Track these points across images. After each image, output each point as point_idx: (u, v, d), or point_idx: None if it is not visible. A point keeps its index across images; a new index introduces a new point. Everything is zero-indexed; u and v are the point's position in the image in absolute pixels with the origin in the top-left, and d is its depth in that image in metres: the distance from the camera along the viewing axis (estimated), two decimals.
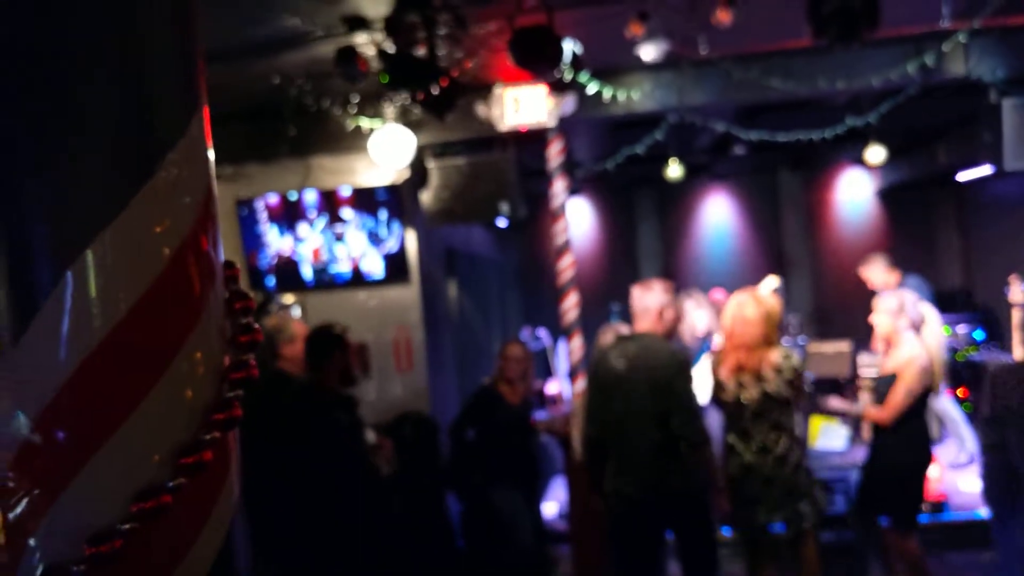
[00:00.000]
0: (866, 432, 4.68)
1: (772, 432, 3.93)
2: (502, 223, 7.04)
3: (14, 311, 0.73)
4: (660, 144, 6.31)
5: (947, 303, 7.72)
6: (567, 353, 5.53)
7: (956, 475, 6.13)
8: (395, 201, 5.73)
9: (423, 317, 5.90)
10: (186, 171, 0.77)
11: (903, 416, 4.09)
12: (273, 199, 5.80)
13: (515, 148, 5.90)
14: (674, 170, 7.70)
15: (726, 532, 4.91)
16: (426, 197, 5.92)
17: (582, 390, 4.83)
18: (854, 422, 5.95)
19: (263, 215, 5.82)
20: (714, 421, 4.43)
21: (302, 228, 5.82)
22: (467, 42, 4.39)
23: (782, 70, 5.36)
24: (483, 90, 5.39)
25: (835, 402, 4.45)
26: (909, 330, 4.15)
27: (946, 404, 6.32)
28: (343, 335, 4.01)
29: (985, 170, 6.18)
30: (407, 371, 5.89)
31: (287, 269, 5.86)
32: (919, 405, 4.13)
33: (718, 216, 10.03)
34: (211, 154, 0.82)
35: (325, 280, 5.85)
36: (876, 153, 7.12)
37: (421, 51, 4.21)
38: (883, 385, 4.18)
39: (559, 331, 5.98)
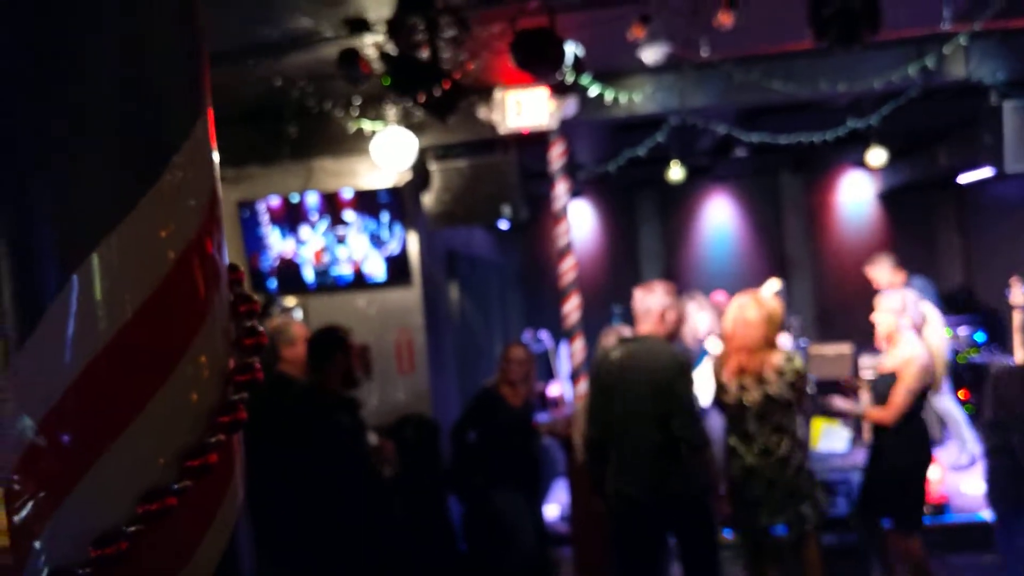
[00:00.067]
0: (867, 434, 4.68)
1: (774, 434, 3.93)
2: (504, 225, 7.04)
3: (20, 314, 0.73)
4: (661, 146, 6.31)
5: (950, 305, 7.72)
6: (569, 355, 5.53)
7: (958, 477, 6.12)
8: (397, 203, 5.73)
9: (425, 319, 5.90)
10: (191, 174, 0.77)
11: (904, 416, 4.08)
12: (275, 201, 5.80)
13: (517, 150, 5.90)
14: (675, 172, 7.70)
15: (728, 534, 4.90)
16: (428, 199, 5.92)
17: (584, 392, 4.83)
18: (855, 423, 5.95)
19: (265, 217, 5.83)
20: (715, 423, 4.42)
21: (304, 230, 5.82)
22: (469, 44, 4.39)
23: (783, 72, 5.36)
24: (485, 92, 5.39)
25: (839, 402, 4.44)
26: (910, 329, 4.15)
27: (949, 405, 6.31)
28: (345, 337, 4.01)
29: (986, 172, 6.18)
30: (408, 373, 5.89)
31: (289, 271, 5.86)
32: (919, 405, 4.13)
33: (719, 218, 10.03)
34: (216, 157, 0.83)
35: (327, 282, 5.85)
36: (877, 155, 7.12)
37: (423, 53, 4.21)
38: (882, 384, 4.17)
39: (561, 333, 5.98)
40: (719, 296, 6.81)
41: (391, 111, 5.49)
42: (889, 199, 9.52)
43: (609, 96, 5.46)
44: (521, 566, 4.85)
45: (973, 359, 7.23)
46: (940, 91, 5.72)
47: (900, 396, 4.02)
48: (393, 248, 5.77)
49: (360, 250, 5.80)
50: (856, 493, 4.68)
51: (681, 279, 8.78)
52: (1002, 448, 3.85)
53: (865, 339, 5.39)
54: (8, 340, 0.74)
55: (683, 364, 3.84)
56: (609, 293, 8.36)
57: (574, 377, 5.41)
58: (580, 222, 9.64)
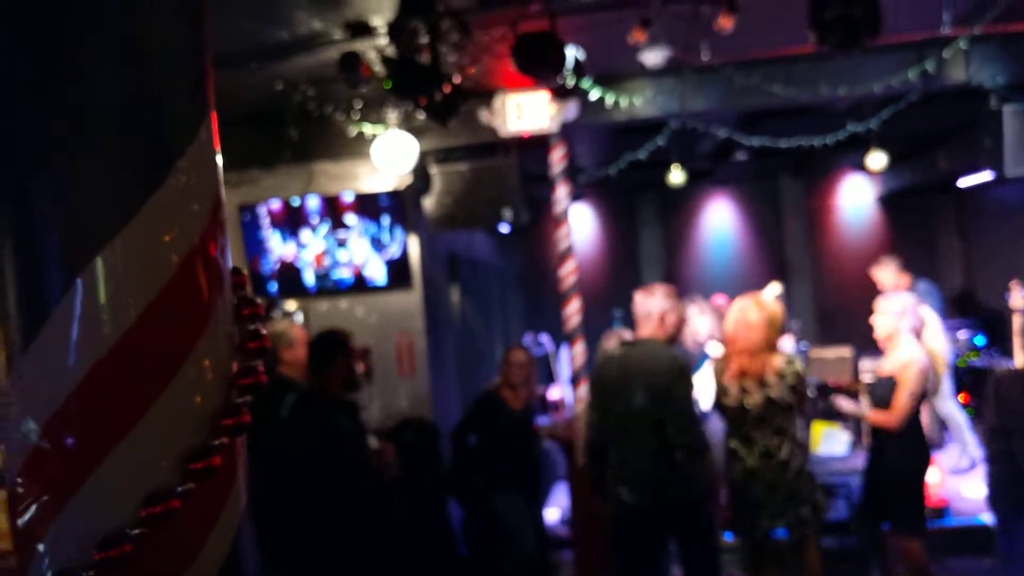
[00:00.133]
0: (866, 437, 4.67)
1: (775, 437, 3.93)
2: (504, 229, 7.04)
3: (25, 318, 0.74)
4: (662, 150, 6.32)
5: (955, 308, 7.73)
6: (569, 359, 5.53)
7: (958, 480, 6.11)
8: (398, 207, 5.73)
9: (425, 323, 5.90)
10: (195, 178, 0.77)
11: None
12: (276, 205, 5.81)
13: (517, 154, 5.91)
14: (676, 176, 7.70)
15: (728, 538, 4.90)
16: (429, 203, 5.93)
17: (584, 396, 4.83)
18: (855, 427, 5.94)
19: (266, 221, 5.83)
20: (715, 427, 4.42)
21: (305, 234, 5.82)
22: (470, 48, 4.40)
23: (784, 76, 5.37)
24: (486, 96, 5.40)
25: (843, 403, 4.44)
26: (909, 333, 4.15)
27: (951, 408, 6.31)
28: (346, 341, 4.01)
29: (986, 176, 6.18)
30: (409, 376, 5.89)
31: (289, 275, 5.86)
32: (918, 408, 4.13)
33: (720, 222, 10.03)
34: (219, 160, 0.83)
35: (327, 286, 5.85)
36: (877, 159, 7.12)
37: (424, 57, 4.22)
38: (880, 388, 4.17)
39: (561, 337, 5.98)
40: (719, 299, 6.81)
41: (392, 114, 5.49)
42: (889, 203, 9.53)
43: (610, 100, 5.47)
44: (521, 569, 4.85)
45: (973, 362, 7.23)
46: (940, 95, 5.73)
47: (903, 400, 4.02)
48: (394, 251, 5.77)
49: (361, 254, 5.80)
50: (856, 497, 4.68)
51: (681, 282, 8.78)
52: (1006, 453, 3.85)
53: (865, 342, 5.39)
54: (13, 344, 0.74)
55: (683, 368, 3.84)
56: (610, 297, 8.37)
57: (575, 380, 5.41)
58: (581, 225, 9.65)
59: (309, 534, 3.67)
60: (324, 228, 5.79)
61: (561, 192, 5.49)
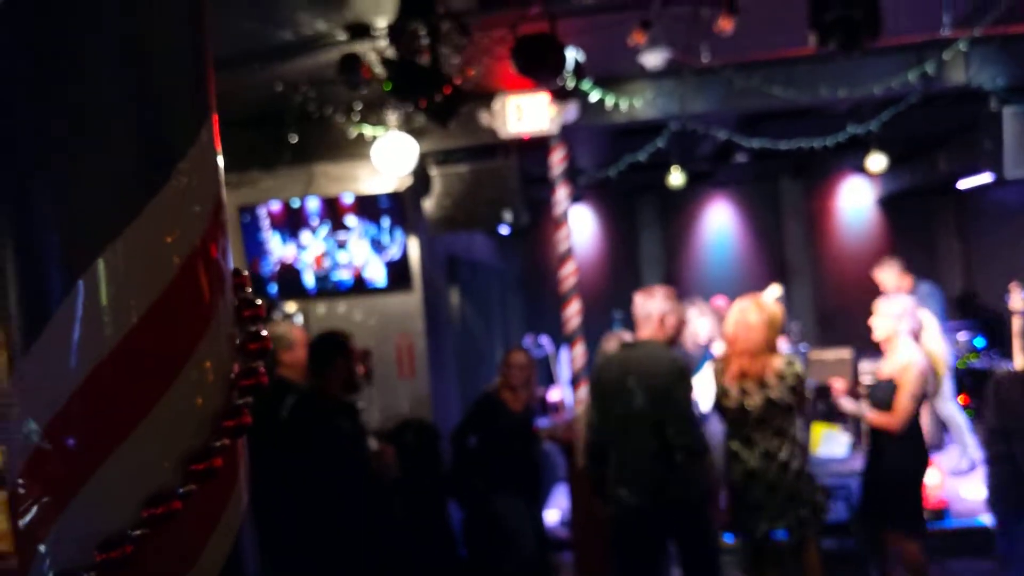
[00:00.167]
0: (865, 439, 4.67)
1: (775, 438, 3.93)
2: (504, 230, 7.05)
3: (26, 319, 0.74)
4: (662, 151, 6.33)
5: (957, 309, 7.73)
6: (569, 360, 5.53)
7: (958, 482, 6.11)
8: (397, 208, 5.74)
9: (425, 324, 5.90)
10: (196, 180, 0.77)
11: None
12: (276, 206, 5.81)
13: (517, 155, 5.91)
14: (676, 177, 7.71)
15: (728, 539, 4.90)
16: (428, 204, 5.93)
17: (584, 397, 4.83)
18: (855, 428, 5.94)
19: (265, 222, 5.83)
20: (715, 429, 4.42)
21: (304, 235, 5.82)
22: (470, 50, 4.40)
23: (784, 78, 5.37)
24: (486, 98, 5.41)
25: (846, 403, 4.44)
26: (908, 335, 4.15)
27: (952, 409, 6.31)
28: (346, 342, 4.01)
29: (985, 178, 6.19)
30: (409, 378, 5.89)
31: (289, 277, 5.86)
32: (918, 410, 4.13)
33: (720, 223, 10.04)
34: (220, 162, 0.83)
35: (327, 288, 5.85)
36: (877, 161, 7.13)
37: (424, 59, 4.22)
38: (880, 390, 4.17)
39: (561, 338, 5.98)
40: (719, 301, 6.81)
41: (392, 116, 5.50)
42: (889, 204, 9.53)
43: (610, 101, 5.47)
44: (521, 571, 4.85)
45: (973, 364, 7.23)
46: (940, 97, 5.74)
47: (904, 402, 4.02)
48: (394, 253, 5.77)
49: (361, 255, 5.80)
50: (856, 498, 4.68)
51: (681, 284, 8.79)
52: (1006, 455, 3.84)
53: (865, 344, 5.39)
54: (14, 345, 0.74)
55: (682, 369, 3.84)
56: (610, 298, 8.37)
57: (575, 382, 5.41)
58: (581, 227, 9.65)
59: (309, 535, 3.67)
60: (324, 230, 5.80)
61: (561, 194, 5.50)
